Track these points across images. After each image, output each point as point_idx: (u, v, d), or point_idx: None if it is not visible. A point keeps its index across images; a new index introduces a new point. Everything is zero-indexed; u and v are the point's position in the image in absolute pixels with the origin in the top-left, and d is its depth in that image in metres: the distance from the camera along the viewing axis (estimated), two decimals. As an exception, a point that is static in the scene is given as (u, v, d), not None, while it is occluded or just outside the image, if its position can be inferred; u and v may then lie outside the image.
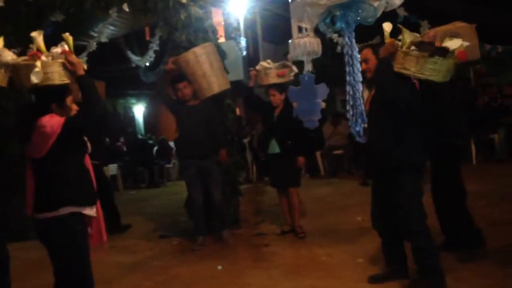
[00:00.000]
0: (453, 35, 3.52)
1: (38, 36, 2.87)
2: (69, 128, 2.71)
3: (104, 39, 8.06)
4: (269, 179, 5.99)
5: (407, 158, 3.35)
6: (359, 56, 2.55)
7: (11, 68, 2.82)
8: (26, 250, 5.33)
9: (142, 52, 11.17)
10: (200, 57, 5.14)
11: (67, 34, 2.92)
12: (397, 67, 3.26)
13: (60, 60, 2.79)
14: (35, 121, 2.69)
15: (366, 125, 3.13)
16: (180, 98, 5.30)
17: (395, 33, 3.42)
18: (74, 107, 2.88)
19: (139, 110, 18.07)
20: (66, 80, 2.80)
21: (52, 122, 2.69)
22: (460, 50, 3.24)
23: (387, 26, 3.38)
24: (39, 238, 2.81)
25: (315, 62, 2.98)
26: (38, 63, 2.72)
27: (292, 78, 5.34)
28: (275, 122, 5.47)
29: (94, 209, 2.88)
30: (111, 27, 8.21)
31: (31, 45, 2.90)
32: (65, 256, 2.77)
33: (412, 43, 3.28)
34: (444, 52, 3.20)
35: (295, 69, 5.34)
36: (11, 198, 4.77)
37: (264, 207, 7.47)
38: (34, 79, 2.70)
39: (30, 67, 2.72)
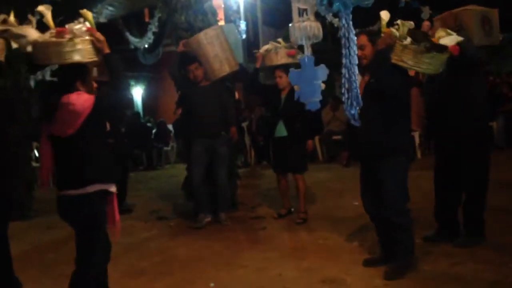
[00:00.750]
0: (456, 28, 3.66)
1: (47, 12, 2.84)
2: (100, 106, 2.74)
3: (102, 20, 8.00)
4: (273, 163, 5.90)
5: (395, 144, 3.48)
6: (356, 39, 2.55)
7: (38, 45, 2.77)
8: (24, 229, 5.37)
9: (141, 34, 11.08)
10: (211, 39, 5.21)
11: (85, 10, 2.91)
12: (394, 59, 3.32)
13: (88, 38, 2.78)
14: (59, 99, 2.70)
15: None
16: (192, 79, 5.38)
17: (391, 21, 3.43)
18: (94, 85, 2.93)
19: (137, 92, 17.99)
20: (94, 58, 2.82)
21: (82, 100, 2.71)
22: (453, 46, 3.36)
23: (385, 15, 3.42)
24: (61, 215, 2.86)
25: (315, 46, 2.96)
26: (78, 41, 2.73)
27: (296, 60, 5.28)
28: (282, 104, 5.42)
29: (115, 187, 2.94)
30: (110, 8, 8.15)
31: (30, 17, 2.84)
32: (87, 232, 2.83)
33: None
34: (442, 49, 3.32)
35: (299, 52, 5.29)
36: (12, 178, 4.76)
37: (262, 191, 7.50)
38: (78, 57, 2.73)
39: (59, 44, 2.71)
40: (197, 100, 5.41)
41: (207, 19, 5.87)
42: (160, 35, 10.19)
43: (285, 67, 5.29)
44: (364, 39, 3.55)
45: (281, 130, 5.43)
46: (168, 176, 9.96)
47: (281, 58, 5.26)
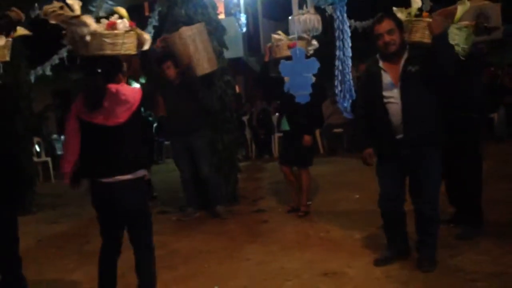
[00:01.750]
0: (484, 14, 3.62)
1: (76, 5, 2.84)
2: (144, 97, 2.95)
3: (102, 14, 7.96)
4: (278, 156, 5.90)
5: (439, 134, 3.39)
6: (349, 31, 2.54)
7: (96, 35, 2.81)
8: (27, 224, 5.37)
9: (141, 28, 11.02)
10: (185, 39, 5.20)
11: (119, 8, 3.00)
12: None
13: (134, 32, 2.89)
14: (107, 88, 2.84)
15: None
16: (165, 78, 5.41)
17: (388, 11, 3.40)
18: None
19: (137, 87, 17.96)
20: (135, 51, 2.93)
21: (133, 91, 2.93)
22: None
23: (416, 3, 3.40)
24: (110, 201, 2.93)
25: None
26: (131, 34, 2.85)
27: (311, 52, 5.23)
28: (287, 98, 5.38)
29: None
30: (110, 1, 8.11)
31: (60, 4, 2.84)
32: (142, 215, 3.02)
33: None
34: (490, 31, 3.33)
35: (315, 43, 5.22)
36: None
37: (263, 184, 7.51)
38: (129, 49, 2.85)
39: (115, 36, 2.82)
40: (170, 99, 5.47)
41: (207, 13, 5.86)
42: (160, 29, 10.17)
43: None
44: (391, 23, 3.30)
45: (285, 124, 5.44)
46: (169, 171, 9.95)
47: (283, 51, 5.21)
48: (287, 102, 5.32)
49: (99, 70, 2.86)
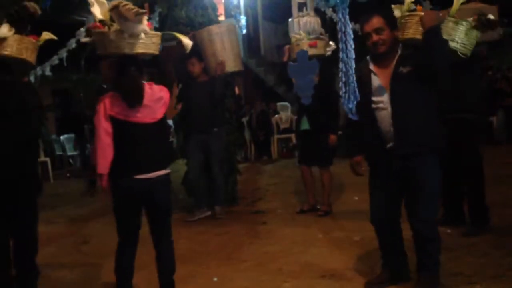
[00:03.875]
0: (481, 13, 3.38)
1: (98, 4, 2.91)
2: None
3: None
4: (298, 155, 5.91)
5: (435, 140, 3.03)
6: (352, 32, 2.46)
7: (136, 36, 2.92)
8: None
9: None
10: (213, 36, 5.23)
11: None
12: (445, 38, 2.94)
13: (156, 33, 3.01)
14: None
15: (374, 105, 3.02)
16: (190, 75, 5.45)
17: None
18: None
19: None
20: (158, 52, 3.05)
21: (161, 88, 3.07)
22: None
23: None
24: (139, 198, 3.02)
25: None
26: (159, 35, 3.02)
27: (329, 53, 5.21)
28: None
29: None
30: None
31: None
32: (169, 208, 3.18)
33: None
34: (493, 25, 3.00)
35: (332, 44, 5.21)
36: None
37: (262, 186, 7.51)
38: (155, 50, 2.99)
39: (152, 36, 2.97)
40: (191, 96, 5.50)
41: (208, 14, 5.87)
42: (161, 30, 10.17)
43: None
44: (380, 21, 2.97)
45: (305, 124, 5.42)
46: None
47: (306, 49, 5.18)
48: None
49: (134, 69, 2.96)
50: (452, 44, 3.01)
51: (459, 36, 3.02)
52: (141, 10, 2.84)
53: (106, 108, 2.93)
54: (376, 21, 2.96)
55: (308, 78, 3.23)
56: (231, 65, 5.34)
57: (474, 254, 3.70)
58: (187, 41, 3.23)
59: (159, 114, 3.05)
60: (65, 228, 5.80)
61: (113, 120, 2.94)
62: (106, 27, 2.91)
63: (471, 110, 4.02)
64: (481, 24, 2.99)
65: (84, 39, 2.90)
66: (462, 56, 3.23)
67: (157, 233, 3.18)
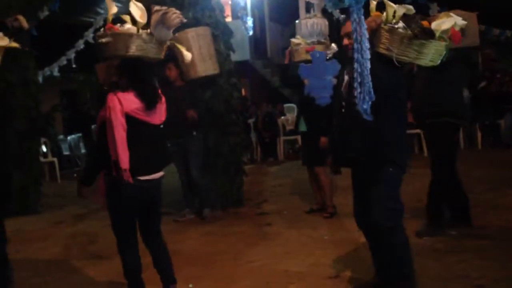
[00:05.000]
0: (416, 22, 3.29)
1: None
2: None
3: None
4: (301, 157, 5.98)
5: (389, 153, 2.95)
6: (367, 33, 2.42)
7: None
8: (32, 224, 5.40)
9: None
10: (186, 42, 5.17)
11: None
12: (381, 48, 2.79)
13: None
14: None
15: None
16: (166, 78, 5.50)
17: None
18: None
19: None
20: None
21: (161, 94, 3.19)
22: (455, 31, 2.86)
23: None
24: (150, 197, 3.12)
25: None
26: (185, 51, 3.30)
27: (329, 55, 5.22)
28: (305, 100, 5.40)
29: None
30: (118, 4, 8.18)
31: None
32: (160, 209, 3.33)
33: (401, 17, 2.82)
34: (430, 34, 2.80)
35: (334, 46, 5.22)
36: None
37: (268, 187, 7.50)
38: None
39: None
40: (168, 100, 5.48)
41: (215, 15, 5.88)
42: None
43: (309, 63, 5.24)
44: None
45: (302, 125, 5.51)
46: (173, 172, 9.96)
47: (302, 55, 5.22)
48: (305, 103, 5.37)
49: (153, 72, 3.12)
50: (388, 54, 2.78)
51: (394, 44, 2.76)
52: (184, 20, 2.99)
53: (122, 105, 2.94)
54: (349, 25, 2.84)
55: (326, 79, 3.21)
56: (208, 68, 5.37)
57: (480, 256, 3.68)
58: (186, 53, 3.30)
59: (163, 116, 3.15)
60: (72, 228, 5.83)
61: (131, 119, 2.95)
62: (135, 30, 2.98)
63: (446, 114, 4.09)
64: (418, 35, 2.81)
65: (104, 39, 2.90)
66: (397, 64, 2.87)
67: (149, 228, 3.23)
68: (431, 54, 2.83)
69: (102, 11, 8.10)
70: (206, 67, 5.39)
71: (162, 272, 3.26)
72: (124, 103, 2.93)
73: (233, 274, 3.84)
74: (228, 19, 10.21)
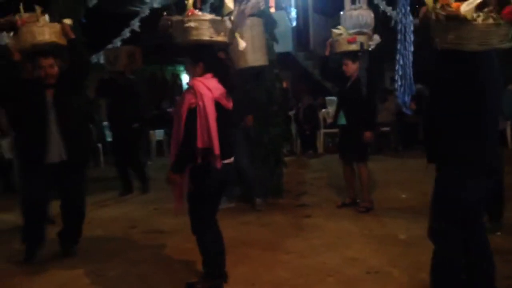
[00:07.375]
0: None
1: None
2: None
3: (156, 5, 8.13)
4: (338, 151, 5.90)
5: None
6: (412, 25, 2.35)
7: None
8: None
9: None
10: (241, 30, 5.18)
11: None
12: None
13: None
14: None
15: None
16: None
17: None
18: None
19: (187, 79, 18.17)
20: None
21: None
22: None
23: None
24: (228, 181, 3.33)
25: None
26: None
27: (372, 47, 5.13)
28: (345, 93, 5.35)
29: None
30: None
31: None
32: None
33: None
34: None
35: (377, 37, 5.13)
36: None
37: (307, 180, 7.47)
38: None
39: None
40: None
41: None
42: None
43: (351, 55, 5.15)
44: None
45: (341, 118, 5.41)
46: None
47: (343, 45, 5.12)
48: (346, 96, 5.30)
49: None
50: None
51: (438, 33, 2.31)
52: (262, 6, 3.28)
53: (211, 91, 2.99)
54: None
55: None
56: (255, 58, 5.25)
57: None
58: (241, 41, 3.28)
59: (231, 102, 3.19)
60: (114, 212, 5.98)
61: (218, 106, 3.03)
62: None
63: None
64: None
65: (192, 23, 3.00)
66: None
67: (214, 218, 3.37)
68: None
69: (148, 0, 8.21)
70: (256, 58, 5.33)
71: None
72: (212, 89, 2.97)
73: (270, 263, 3.85)
74: (272, 10, 10.17)
